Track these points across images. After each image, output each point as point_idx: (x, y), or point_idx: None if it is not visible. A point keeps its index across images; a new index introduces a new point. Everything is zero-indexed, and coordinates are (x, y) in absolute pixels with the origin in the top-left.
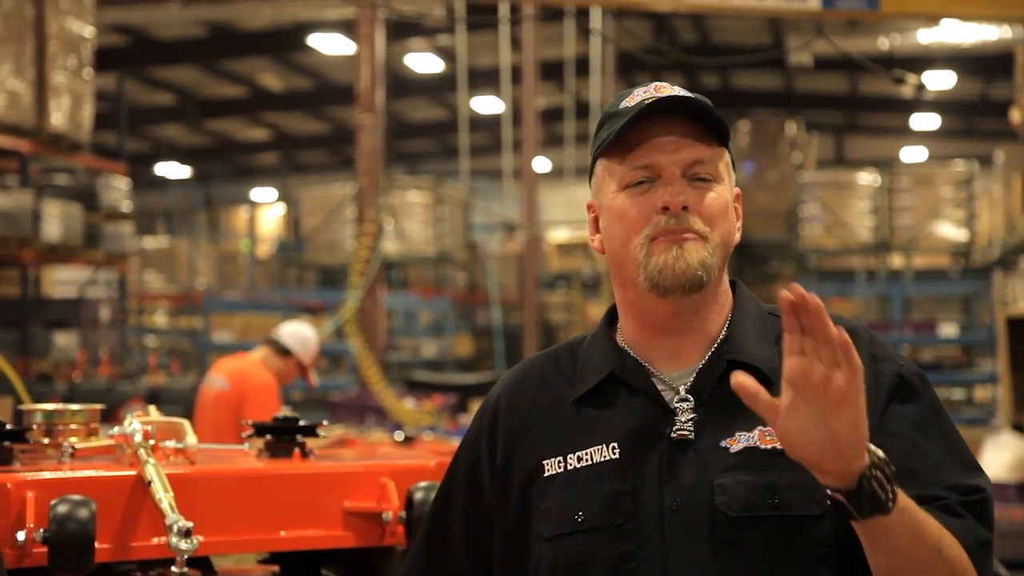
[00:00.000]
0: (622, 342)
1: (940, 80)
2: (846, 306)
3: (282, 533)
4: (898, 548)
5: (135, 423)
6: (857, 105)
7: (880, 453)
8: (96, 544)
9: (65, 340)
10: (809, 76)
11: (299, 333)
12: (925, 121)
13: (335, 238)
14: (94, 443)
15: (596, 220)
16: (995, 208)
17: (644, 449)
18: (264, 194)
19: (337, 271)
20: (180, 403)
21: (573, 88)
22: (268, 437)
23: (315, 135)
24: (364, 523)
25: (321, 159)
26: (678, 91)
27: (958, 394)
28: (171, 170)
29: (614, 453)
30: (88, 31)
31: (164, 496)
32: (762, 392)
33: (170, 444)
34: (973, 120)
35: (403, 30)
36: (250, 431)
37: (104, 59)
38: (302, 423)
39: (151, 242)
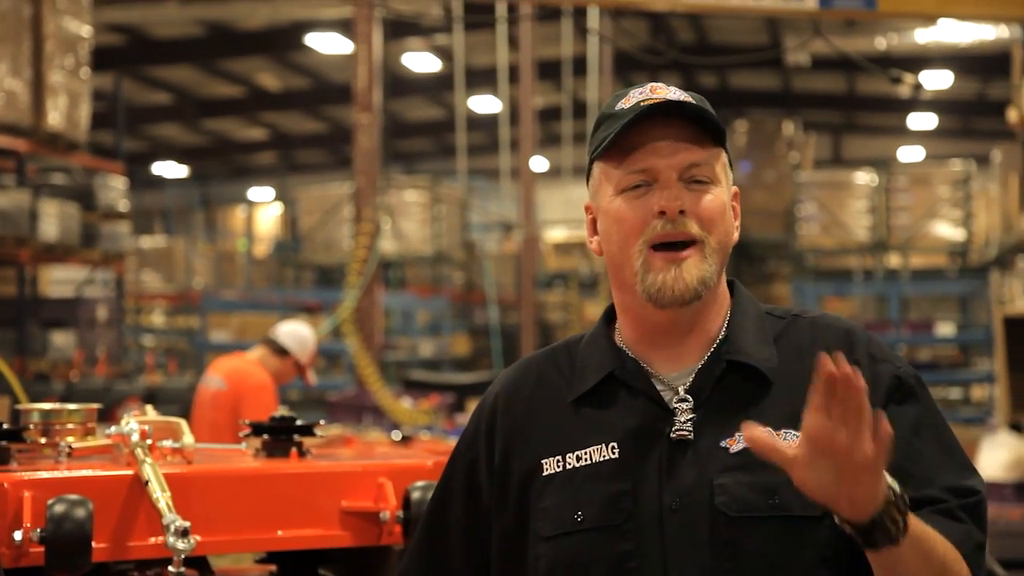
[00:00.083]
0: (620, 342)
1: (937, 80)
2: (843, 306)
3: (279, 533)
4: (906, 571)
5: (132, 423)
6: (854, 105)
7: (896, 487)
8: (93, 544)
9: (62, 340)
10: (806, 76)
11: (296, 333)
12: (922, 121)
13: (332, 237)
14: (91, 443)
15: (594, 222)
16: (992, 208)
17: (644, 449)
18: (261, 193)
19: (334, 270)
20: (177, 403)
21: (570, 87)
22: (265, 437)
23: (312, 134)
24: (361, 523)
25: (318, 158)
26: (673, 92)
27: (955, 393)
28: (168, 169)
29: (614, 453)
30: (85, 30)
31: (161, 496)
32: (778, 444)
33: (167, 444)
34: (970, 120)
35: (400, 29)
36: (247, 431)
37: (101, 58)
38: (299, 423)
39: (148, 242)
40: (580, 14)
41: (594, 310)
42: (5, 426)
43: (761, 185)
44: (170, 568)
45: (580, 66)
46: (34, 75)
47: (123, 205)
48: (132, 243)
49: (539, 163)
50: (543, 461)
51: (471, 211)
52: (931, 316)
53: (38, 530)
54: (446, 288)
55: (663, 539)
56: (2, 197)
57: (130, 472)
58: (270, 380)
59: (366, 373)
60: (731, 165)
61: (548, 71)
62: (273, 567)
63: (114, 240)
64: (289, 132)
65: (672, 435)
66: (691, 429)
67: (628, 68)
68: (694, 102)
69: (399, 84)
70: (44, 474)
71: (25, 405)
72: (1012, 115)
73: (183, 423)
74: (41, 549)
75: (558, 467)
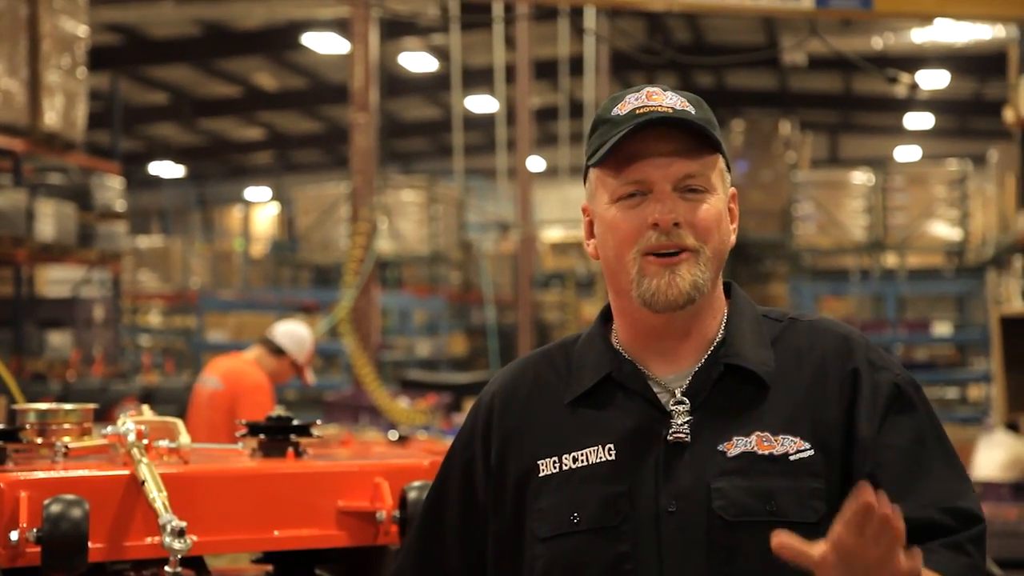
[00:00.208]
0: (617, 343)
1: (934, 79)
2: (840, 305)
3: (276, 533)
4: None
5: (129, 423)
6: (851, 104)
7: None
8: (89, 544)
9: (59, 339)
10: (803, 75)
11: (293, 332)
12: (919, 120)
13: (329, 237)
14: (88, 443)
15: (591, 224)
16: (989, 207)
17: (640, 451)
18: (258, 193)
19: (331, 270)
20: (174, 403)
21: (567, 87)
22: (261, 437)
23: (309, 134)
24: (358, 522)
25: (315, 158)
26: (670, 97)
27: (952, 393)
28: (165, 169)
29: (610, 454)
30: (82, 30)
31: (158, 496)
32: (805, 549)
33: (164, 444)
34: (967, 119)
35: (397, 29)
36: (244, 431)
37: (98, 58)
38: (296, 423)
39: (145, 241)
40: (577, 14)
41: (591, 310)
42: (1, 426)
43: (757, 185)
44: (167, 568)
45: (577, 66)
46: (31, 75)
47: (120, 205)
48: (129, 243)
49: (536, 163)
50: (539, 462)
51: (468, 211)
52: (928, 316)
53: (34, 530)
54: (443, 288)
55: (659, 541)
56: None
57: (126, 472)
58: (266, 380)
59: (363, 373)
60: (728, 168)
61: (545, 71)
62: (270, 567)
63: (111, 240)
64: (286, 132)
65: (669, 437)
66: (688, 432)
67: (625, 68)
68: (691, 110)
69: (396, 84)
70: (40, 474)
71: (21, 405)
72: (1008, 115)
73: (179, 423)
74: (37, 549)
75: (554, 468)
